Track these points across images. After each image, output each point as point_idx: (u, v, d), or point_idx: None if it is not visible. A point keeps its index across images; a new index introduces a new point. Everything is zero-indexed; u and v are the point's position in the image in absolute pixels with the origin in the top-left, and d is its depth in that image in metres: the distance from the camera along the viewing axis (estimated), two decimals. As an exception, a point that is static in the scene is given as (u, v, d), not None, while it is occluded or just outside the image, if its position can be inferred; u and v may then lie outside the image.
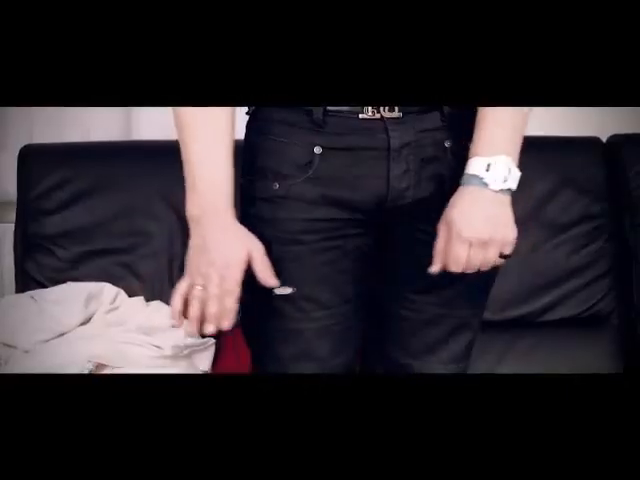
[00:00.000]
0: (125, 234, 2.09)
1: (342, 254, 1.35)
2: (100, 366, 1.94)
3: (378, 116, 1.29)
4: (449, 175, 1.32)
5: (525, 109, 1.27)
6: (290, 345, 1.38)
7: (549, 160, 2.17)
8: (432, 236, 1.33)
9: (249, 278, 1.35)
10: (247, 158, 1.36)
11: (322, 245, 1.34)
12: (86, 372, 1.92)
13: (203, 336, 2.04)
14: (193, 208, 1.29)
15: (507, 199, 1.26)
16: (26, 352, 1.96)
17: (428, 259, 1.34)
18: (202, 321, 1.29)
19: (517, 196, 2.17)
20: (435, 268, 1.29)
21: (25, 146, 2.25)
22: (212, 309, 1.28)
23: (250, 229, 1.33)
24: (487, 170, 1.24)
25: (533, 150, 2.23)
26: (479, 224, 1.25)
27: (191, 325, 1.30)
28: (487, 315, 2.05)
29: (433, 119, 1.31)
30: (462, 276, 1.34)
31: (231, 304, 1.28)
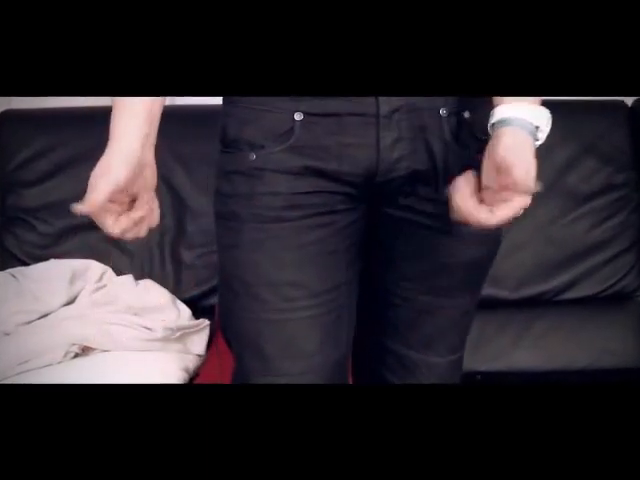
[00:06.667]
0: (112, 207, 2.01)
1: (332, 232, 1.31)
2: (86, 349, 1.95)
3: None
4: (440, 149, 1.29)
5: None
6: (274, 339, 1.33)
7: (569, 125, 2.14)
8: (428, 217, 1.32)
9: (223, 269, 1.36)
10: (221, 130, 1.34)
11: (308, 222, 1.30)
12: (71, 355, 1.92)
13: (197, 317, 2.14)
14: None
15: None
16: (6, 334, 1.98)
17: (424, 243, 1.34)
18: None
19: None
20: (482, 216, 1.20)
21: (3, 112, 2.26)
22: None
23: (225, 208, 1.33)
24: (547, 125, 1.20)
25: (551, 114, 2.22)
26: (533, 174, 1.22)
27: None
28: (503, 294, 2.21)
29: None
30: (458, 264, 1.35)
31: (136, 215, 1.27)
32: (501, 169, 1.17)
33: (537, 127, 1.19)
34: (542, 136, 1.20)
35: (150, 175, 1.28)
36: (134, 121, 1.25)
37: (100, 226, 1.23)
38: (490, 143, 1.20)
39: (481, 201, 1.22)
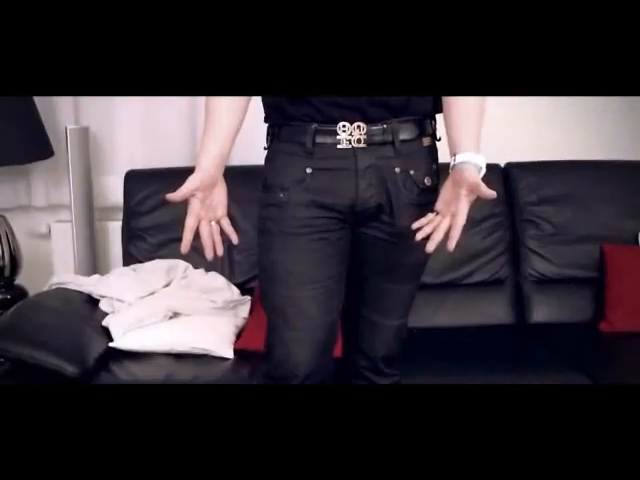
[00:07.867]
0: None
1: (328, 243, 1.49)
2: (176, 314, 2.36)
3: (350, 147, 1.44)
4: (394, 192, 1.46)
5: (479, 100, 1.41)
6: (291, 307, 1.50)
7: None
8: (387, 234, 1.48)
9: (260, 265, 1.48)
10: (263, 179, 1.53)
11: (314, 236, 1.47)
12: (168, 317, 2.31)
13: (243, 295, 2.51)
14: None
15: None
16: (129, 304, 2.37)
17: (385, 251, 1.50)
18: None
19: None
20: (461, 218, 1.33)
21: (128, 171, 2.69)
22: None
23: (263, 227, 1.50)
24: (484, 166, 1.38)
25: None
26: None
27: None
28: (430, 279, 2.52)
29: (388, 150, 1.47)
30: (408, 263, 1.52)
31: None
32: (472, 186, 1.31)
33: (480, 168, 1.37)
34: (482, 172, 1.37)
35: (221, 191, 1.42)
36: (211, 141, 1.39)
37: (189, 209, 1.35)
38: (456, 175, 1.33)
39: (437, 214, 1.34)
